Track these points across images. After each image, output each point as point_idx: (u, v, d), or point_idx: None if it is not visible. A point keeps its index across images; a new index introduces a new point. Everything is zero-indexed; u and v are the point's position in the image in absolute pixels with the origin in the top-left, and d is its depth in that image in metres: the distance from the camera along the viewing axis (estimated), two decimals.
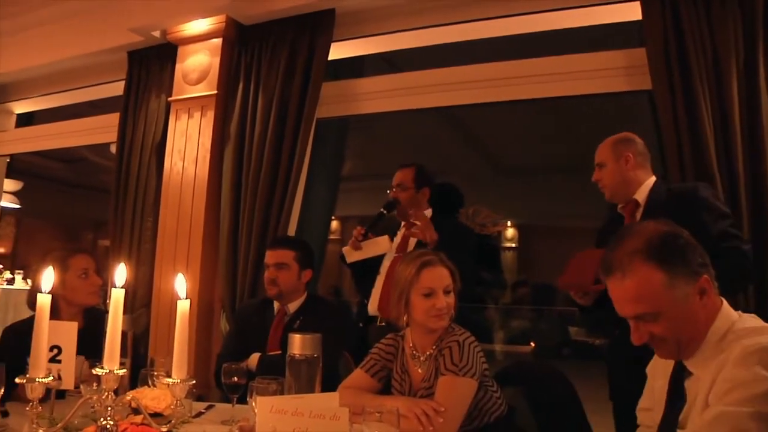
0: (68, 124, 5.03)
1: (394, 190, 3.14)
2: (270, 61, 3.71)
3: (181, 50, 4.04)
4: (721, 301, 1.39)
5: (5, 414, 1.88)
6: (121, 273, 1.29)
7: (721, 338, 1.33)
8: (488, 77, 3.40)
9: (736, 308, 1.41)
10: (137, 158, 4.14)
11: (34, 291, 1.91)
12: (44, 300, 1.31)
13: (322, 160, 3.93)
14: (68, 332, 1.78)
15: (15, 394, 1.82)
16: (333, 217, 6.09)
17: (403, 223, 3.15)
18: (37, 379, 1.29)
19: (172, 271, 3.65)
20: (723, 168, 2.59)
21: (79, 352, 1.78)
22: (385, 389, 2.13)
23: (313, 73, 3.55)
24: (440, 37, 3.66)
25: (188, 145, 3.91)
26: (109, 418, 1.26)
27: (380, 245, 3.05)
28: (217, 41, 3.89)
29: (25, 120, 5.58)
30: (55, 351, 1.75)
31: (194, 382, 1.43)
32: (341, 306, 3.10)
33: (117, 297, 1.27)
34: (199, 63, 3.93)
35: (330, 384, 1.69)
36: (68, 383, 1.76)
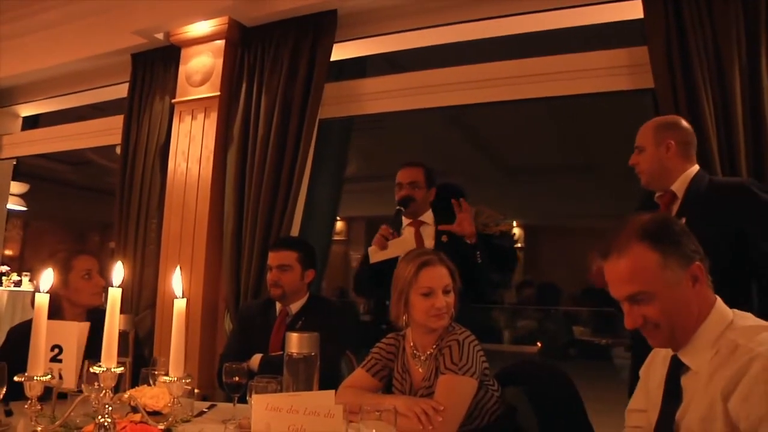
0: (73, 126, 5.05)
1: (406, 187, 3.06)
2: (273, 63, 3.72)
3: (184, 52, 4.06)
4: (715, 298, 1.39)
5: (9, 413, 1.90)
6: (118, 272, 1.30)
7: (720, 335, 1.33)
8: (490, 77, 3.39)
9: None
10: (141, 160, 4.16)
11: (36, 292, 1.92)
12: (42, 299, 1.32)
13: (326, 161, 3.93)
14: (70, 332, 1.79)
15: (21, 393, 1.83)
16: (338, 218, 6.11)
17: (408, 221, 3.11)
18: (35, 378, 1.29)
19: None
20: (726, 166, 2.58)
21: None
22: (387, 389, 2.13)
23: (315, 74, 3.56)
24: (443, 37, 3.65)
25: (192, 147, 3.92)
26: (107, 416, 1.27)
27: (406, 243, 2.93)
28: (220, 43, 3.90)
29: (31, 123, 5.61)
30: (56, 351, 1.76)
31: (191, 379, 1.43)
32: (343, 306, 3.09)
33: (114, 295, 1.28)
34: (202, 65, 3.95)
35: (332, 384, 1.69)
36: (70, 383, 1.77)
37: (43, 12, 4.51)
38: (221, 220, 3.79)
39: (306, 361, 1.54)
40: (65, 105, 5.21)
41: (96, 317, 2.38)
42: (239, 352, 2.66)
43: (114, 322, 1.25)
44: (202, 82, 3.94)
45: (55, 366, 1.73)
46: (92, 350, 1.78)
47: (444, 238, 2.96)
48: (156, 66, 4.24)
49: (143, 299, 3.99)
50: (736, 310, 1.39)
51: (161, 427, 1.40)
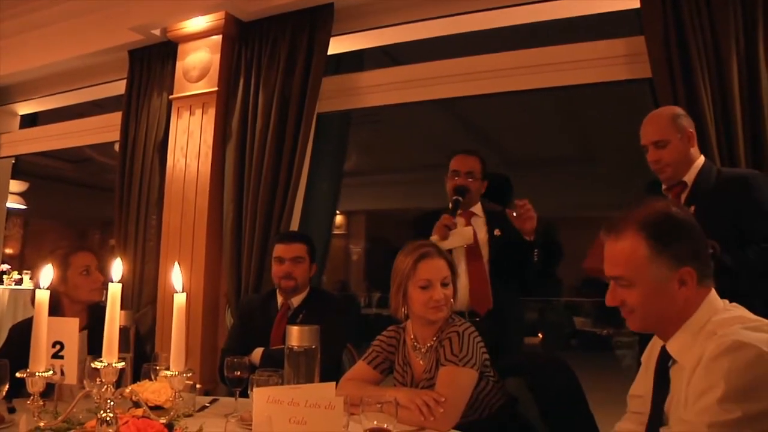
0: (72, 124, 5.06)
1: (463, 176, 2.92)
2: (270, 57, 3.72)
3: (181, 48, 4.05)
4: (708, 292, 1.38)
5: (12, 410, 1.91)
6: (117, 268, 1.30)
7: (702, 327, 1.33)
8: (488, 68, 3.39)
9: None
10: (140, 156, 4.17)
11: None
12: (43, 295, 1.33)
13: (325, 155, 3.93)
14: (70, 328, 1.80)
15: (23, 390, 1.84)
16: (337, 212, 6.11)
17: (458, 212, 2.92)
18: (37, 373, 1.30)
19: None
20: (724, 155, 2.58)
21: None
22: (388, 381, 2.14)
23: (313, 68, 3.56)
24: (440, 29, 3.65)
25: (190, 142, 3.92)
26: (109, 411, 1.28)
27: (465, 235, 2.84)
28: (217, 38, 3.90)
29: (29, 121, 5.61)
30: (58, 347, 1.77)
31: (192, 374, 1.44)
32: (344, 299, 3.08)
33: (114, 291, 1.28)
34: (199, 60, 3.94)
35: (334, 377, 1.69)
36: (71, 379, 1.78)
37: (39, 10, 4.51)
38: (221, 215, 3.80)
39: (307, 354, 1.55)
40: (63, 102, 5.20)
41: (97, 313, 2.40)
42: (240, 347, 2.66)
43: (114, 317, 1.25)
44: (199, 78, 3.93)
45: (57, 362, 1.73)
46: (91, 346, 1.79)
47: (497, 232, 2.88)
48: (153, 62, 4.24)
49: (144, 295, 4.00)
50: (728, 303, 1.39)
51: (163, 421, 1.40)
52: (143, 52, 4.29)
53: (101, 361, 1.26)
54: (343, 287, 12.11)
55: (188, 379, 1.46)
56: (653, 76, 2.77)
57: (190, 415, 1.88)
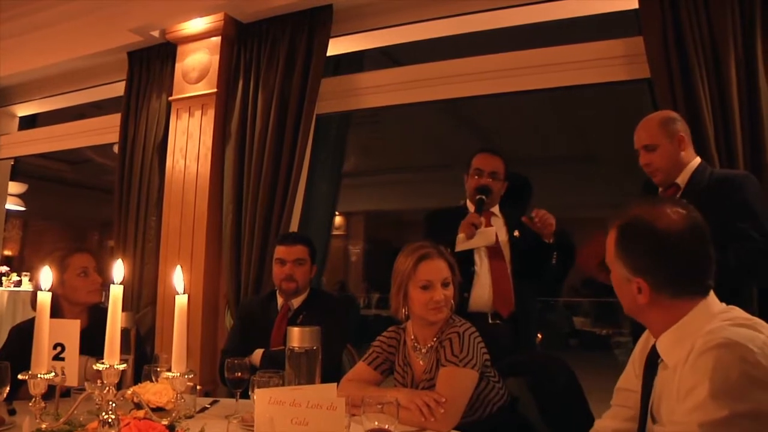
0: (71, 125, 5.06)
1: (486, 175, 2.87)
2: (269, 58, 3.72)
3: (180, 49, 4.06)
4: (692, 303, 1.34)
5: (12, 412, 1.91)
6: (118, 269, 1.30)
7: (693, 332, 1.30)
8: (487, 69, 3.40)
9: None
10: (140, 158, 4.17)
11: (36, 291, 1.92)
12: (44, 297, 1.33)
13: (324, 156, 3.94)
14: (71, 330, 1.80)
15: (23, 392, 1.84)
16: (336, 213, 6.11)
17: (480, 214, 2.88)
18: (39, 375, 1.30)
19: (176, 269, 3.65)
20: (723, 155, 2.58)
21: (85, 351, 1.79)
22: (388, 382, 2.14)
23: (312, 69, 3.56)
24: (438, 30, 3.66)
25: (190, 144, 3.92)
26: (111, 413, 1.28)
27: (489, 236, 2.80)
28: (216, 39, 3.90)
29: (28, 123, 5.61)
30: (59, 349, 1.77)
31: (193, 375, 1.44)
32: (344, 299, 3.07)
33: (115, 293, 1.28)
34: (198, 62, 3.95)
35: (334, 378, 1.70)
36: (72, 380, 1.78)
37: (38, 11, 4.50)
38: (220, 216, 3.80)
39: (308, 355, 1.55)
40: (62, 104, 5.20)
41: (98, 315, 2.39)
42: (240, 348, 2.66)
43: (116, 319, 1.25)
44: (198, 79, 3.94)
45: (58, 364, 1.73)
46: (93, 347, 1.79)
47: (516, 233, 2.85)
48: (152, 64, 4.24)
49: (144, 297, 4.00)
50: (725, 306, 1.37)
51: (165, 422, 1.40)
52: (142, 53, 4.29)
53: (103, 363, 1.26)
54: (342, 288, 12.11)
55: (189, 380, 1.46)
56: (652, 77, 2.77)
57: (191, 417, 1.88)
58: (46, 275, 1.35)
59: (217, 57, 3.88)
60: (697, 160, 2.36)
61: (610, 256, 1.42)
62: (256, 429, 1.35)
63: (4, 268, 6.66)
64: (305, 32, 3.62)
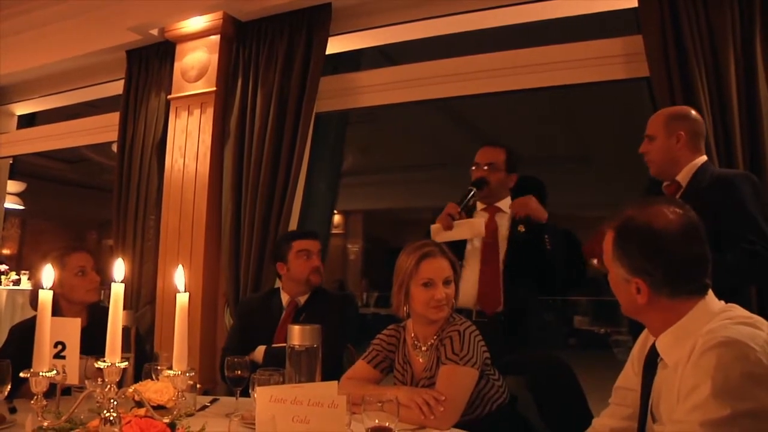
0: (69, 124, 5.05)
1: (484, 168, 2.83)
2: (268, 57, 3.72)
3: (179, 48, 4.05)
4: (692, 302, 1.35)
5: (13, 410, 1.91)
6: (119, 268, 1.30)
7: (693, 332, 1.31)
8: (485, 68, 3.40)
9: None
10: (138, 157, 4.17)
11: (36, 290, 1.92)
12: (46, 295, 1.33)
13: (323, 154, 3.94)
14: (72, 328, 1.80)
15: (23, 391, 1.84)
16: (335, 211, 6.11)
17: (483, 206, 2.88)
18: (40, 373, 1.30)
19: (175, 267, 3.61)
20: (722, 153, 2.59)
21: (85, 350, 1.79)
22: (388, 380, 2.15)
23: (311, 68, 3.56)
24: (436, 29, 3.66)
25: (189, 142, 3.92)
26: (112, 411, 1.28)
27: (474, 228, 2.71)
28: (215, 38, 3.90)
29: (27, 121, 5.60)
30: (60, 347, 1.77)
31: (194, 373, 1.44)
32: (345, 297, 3.07)
33: (116, 291, 1.28)
34: (197, 60, 3.94)
35: (334, 376, 1.70)
36: (73, 378, 1.78)
37: (37, 10, 4.50)
38: (219, 214, 3.80)
39: (308, 353, 1.55)
40: (61, 103, 5.19)
41: (97, 314, 2.40)
42: (240, 346, 2.67)
43: (117, 317, 1.26)
44: (197, 78, 3.93)
45: (59, 362, 1.74)
46: (92, 346, 1.79)
47: (521, 228, 2.75)
48: (151, 62, 4.24)
49: (143, 295, 4.01)
50: (725, 305, 1.37)
51: (166, 421, 1.41)
52: (141, 52, 4.29)
53: (104, 361, 1.27)
54: (341, 287, 12.12)
55: (190, 378, 1.46)
56: (651, 75, 2.77)
57: (191, 415, 1.88)
58: (48, 274, 1.35)
59: (216, 55, 3.88)
60: (701, 159, 2.34)
61: (608, 257, 1.43)
62: (258, 427, 1.35)
63: (3, 267, 6.66)
64: (304, 31, 3.61)
